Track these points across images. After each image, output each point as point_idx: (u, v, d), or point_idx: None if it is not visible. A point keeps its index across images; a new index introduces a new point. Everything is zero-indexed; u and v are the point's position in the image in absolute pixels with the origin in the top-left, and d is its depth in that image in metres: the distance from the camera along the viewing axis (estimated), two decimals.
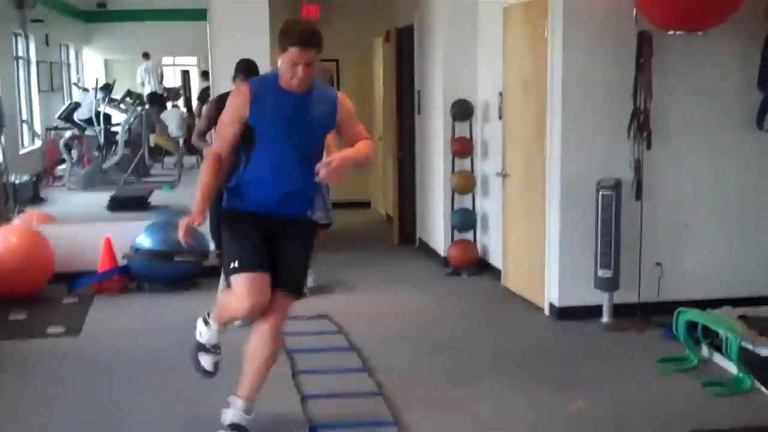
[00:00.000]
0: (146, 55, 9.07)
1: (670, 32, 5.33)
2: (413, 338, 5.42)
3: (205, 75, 8.64)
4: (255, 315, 3.60)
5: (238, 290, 3.55)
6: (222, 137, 3.65)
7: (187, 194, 8.37)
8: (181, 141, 9.09)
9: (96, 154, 8.84)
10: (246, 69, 5.50)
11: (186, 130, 9.19)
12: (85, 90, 9.09)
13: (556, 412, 4.16)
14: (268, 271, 3.59)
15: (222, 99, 5.28)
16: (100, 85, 8.93)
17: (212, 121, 5.25)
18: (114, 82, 9.00)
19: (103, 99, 8.84)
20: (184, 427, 4.01)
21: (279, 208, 3.67)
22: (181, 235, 3.57)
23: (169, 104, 9.37)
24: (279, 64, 3.60)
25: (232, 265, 3.56)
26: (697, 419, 4.03)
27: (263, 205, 3.65)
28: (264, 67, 6.95)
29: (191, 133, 9.13)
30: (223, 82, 7.08)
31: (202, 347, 3.84)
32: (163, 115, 9.16)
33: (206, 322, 3.86)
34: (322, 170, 3.41)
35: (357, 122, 3.77)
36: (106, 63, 9.21)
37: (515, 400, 4.33)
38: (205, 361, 3.83)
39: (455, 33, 7.26)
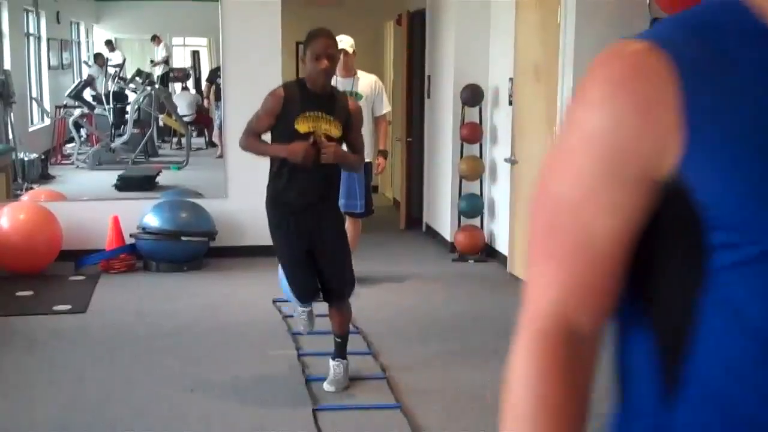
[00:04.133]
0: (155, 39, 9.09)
1: None
2: (418, 322, 5.42)
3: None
4: None
5: None
6: (588, 241, 0.92)
7: (194, 176, 8.47)
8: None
9: (105, 133, 8.85)
10: (312, 35, 3.91)
11: (196, 111, 9.18)
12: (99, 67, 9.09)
13: None
14: None
15: (290, 89, 3.98)
16: (111, 60, 8.94)
17: (271, 120, 3.94)
18: (124, 61, 8.99)
19: (113, 77, 8.85)
20: (188, 405, 4.03)
21: None
22: None
23: (178, 85, 9.36)
24: None
25: None
26: None
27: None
28: (274, 68, 6.94)
29: (200, 115, 9.18)
30: (233, 63, 7.10)
31: None
32: (175, 97, 9.16)
33: None
34: None
35: None
36: (117, 41, 9.19)
37: None
38: None
39: (467, 17, 7.22)
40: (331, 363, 4.25)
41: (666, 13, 5.27)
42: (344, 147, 4.06)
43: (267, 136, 4.12)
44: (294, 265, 4.09)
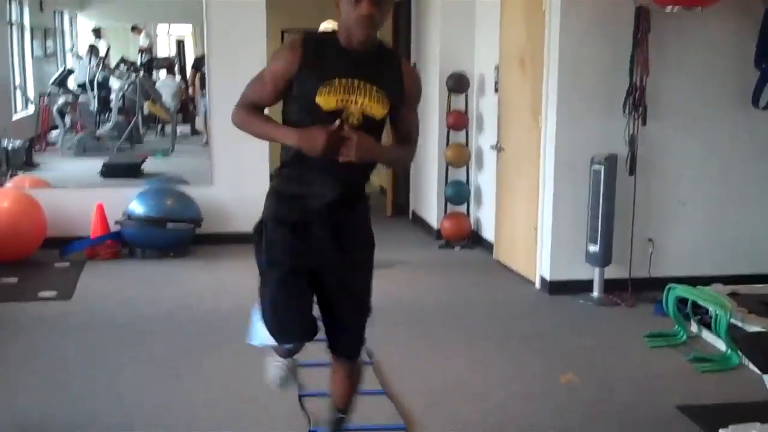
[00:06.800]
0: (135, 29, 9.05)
1: (668, 8, 5.30)
2: (404, 308, 5.43)
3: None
4: None
5: None
6: None
7: (180, 163, 8.43)
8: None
9: (90, 120, 8.80)
10: None
11: (180, 100, 9.14)
12: (79, 57, 9.04)
13: (544, 383, 4.18)
14: None
15: (313, 43, 2.62)
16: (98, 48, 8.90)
17: (279, 86, 2.64)
18: (108, 48, 8.94)
19: (97, 65, 8.80)
20: (173, 392, 4.03)
21: None
22: None
23: (162, 73, 9.31)
24: None
25: None
26: (684, 395, 4.06)
27: None
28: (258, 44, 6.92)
29: (185, 105, 9.13)
30: (217, 50, 7.08)
31: None
32: (158, 84, 9.11)
33: None
34: None
35: None
36: (101, 30, 9.13)
37: (504, 371, 4.35)
38: None
39: (453, 4, 7.22)
40: None
41: (651, 0, 5.28)
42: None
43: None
44: (287, 284, 2.76)
